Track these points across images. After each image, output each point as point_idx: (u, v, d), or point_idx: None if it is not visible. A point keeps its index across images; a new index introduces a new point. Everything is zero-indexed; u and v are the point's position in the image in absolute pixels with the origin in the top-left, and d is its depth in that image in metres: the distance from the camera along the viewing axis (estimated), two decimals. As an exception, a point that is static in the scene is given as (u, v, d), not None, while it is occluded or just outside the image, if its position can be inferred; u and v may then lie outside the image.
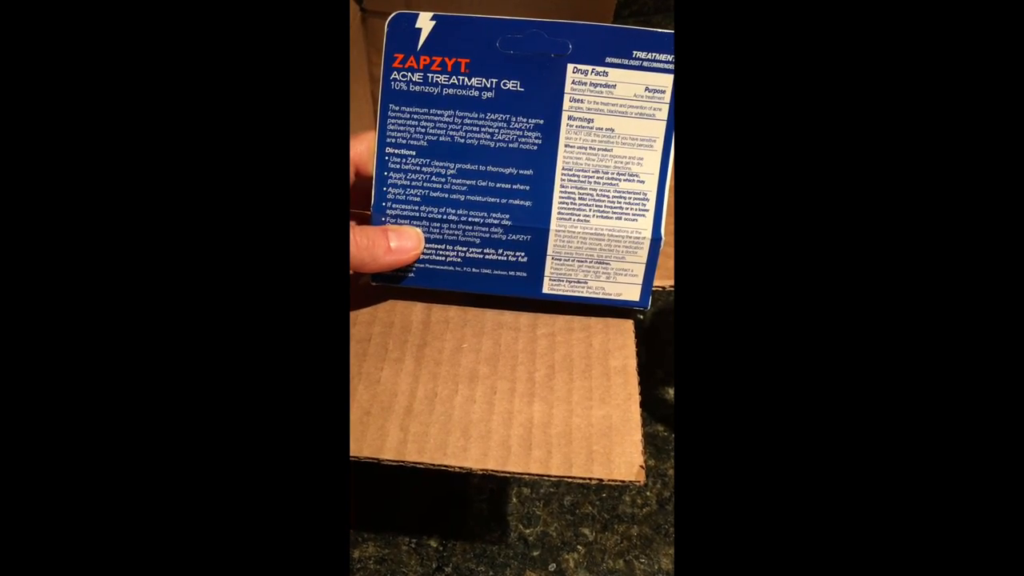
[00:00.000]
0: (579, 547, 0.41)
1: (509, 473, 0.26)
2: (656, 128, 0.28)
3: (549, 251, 0.29)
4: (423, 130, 0.28)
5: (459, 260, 0.29)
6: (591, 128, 0.28)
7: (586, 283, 0.29)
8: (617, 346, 0.29)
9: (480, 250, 0.29)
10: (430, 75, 0.27)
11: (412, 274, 0.29)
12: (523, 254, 0.29)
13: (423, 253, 0.29)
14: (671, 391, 0.48)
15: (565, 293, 0.30)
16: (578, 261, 0.29)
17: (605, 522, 0.42)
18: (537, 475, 0.25)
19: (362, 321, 0.30)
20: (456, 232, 0.29)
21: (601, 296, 0.30)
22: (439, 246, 0.29)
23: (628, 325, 0.30)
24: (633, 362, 0.29)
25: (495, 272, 0.29)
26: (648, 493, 0.43)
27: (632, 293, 0.30)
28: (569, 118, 0.28)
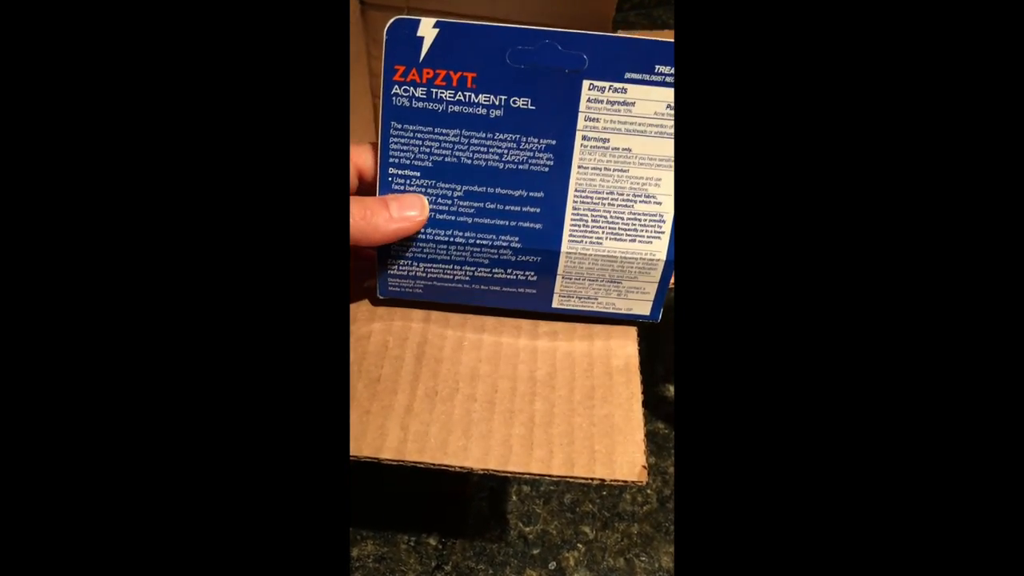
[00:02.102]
0: (579, 545, 0.41)
1: (510, 473, 0.25)
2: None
3: (559, 271, 0.28)
4: (427, 150, 0.26)
5: (467, 279, 0.29)
6: (607, 148, 0.26)
7: (596, 299, 0.29)
8: (619, 345, 0.29)
9: (488, 270, 0.28)
10: (434, 90, 0.25)
11: (419, 291, 0.29)
12: (532, 273, 0.28)
13: (431, 273, 0.28)
14: (672, 388, 0.48)
15: (575, 308, 0.29)
16: (589, 280, 0.28)
17: (605, 520, 0.42)
18: (539, 475, 0.25)
19: (362, 319, 0.30)
20: (463, 254, 0.28)
21: (611, 311, 0.29)
22: (446, 266, 0.28)
23: (631, 326, 0.30)
24: (635, 361, 0.29)
25: (504, 289, 0.29)
26: (649, 491, 0.43)
27: (643, 308, 0.29)
28: (583, 138, 0.26)
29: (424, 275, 0.28)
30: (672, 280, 0.29)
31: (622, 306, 0.29)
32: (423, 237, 0.27)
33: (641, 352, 0.29)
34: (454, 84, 0.25)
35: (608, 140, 0.26)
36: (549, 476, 0.25)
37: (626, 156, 0.26)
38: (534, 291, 0.29)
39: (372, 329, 0.29)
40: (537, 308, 0.29)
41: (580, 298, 0.29)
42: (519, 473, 0.25)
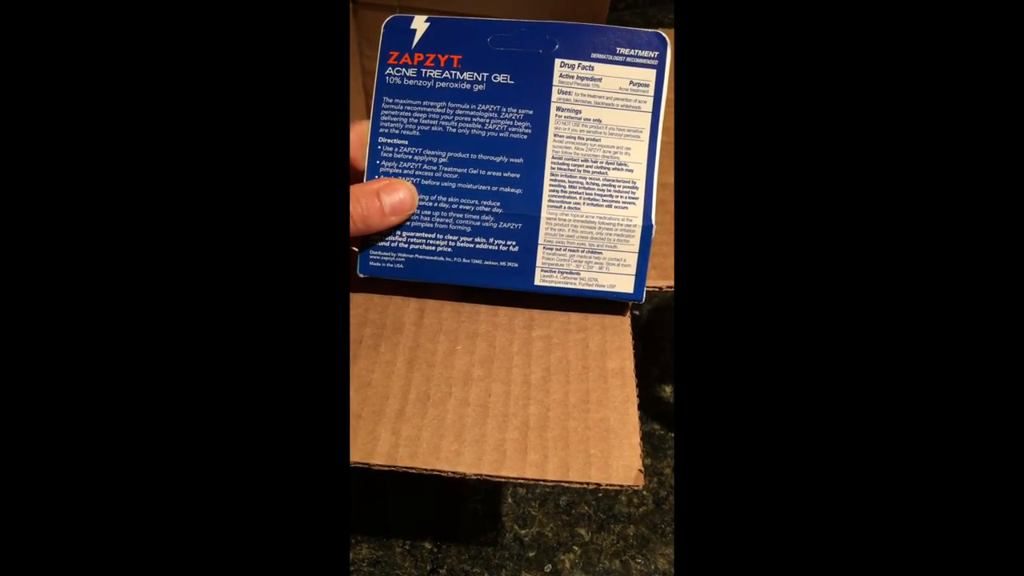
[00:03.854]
0: (575, 547, 0.40)
1: (504, 478, 0.25)
2: (642, 119, 0.28)
3: (540, 239, 0.29)
4: (416, 120, 0.28)
5: (449, 250, 0.29)
6: (579, 119, 0.28)
7: (578, 274, 0.29)
8: (614, 348, 0.29)
9: (471, 239, 0.29)
10: (424, 70, 0.28)
11: (401, 266, 0.29)
12: (514, 243, 0.29)
13: (413, 243, 0.29)
14: (667, 389, 0.47)
15: (557, 285, 0.29)
16: (570, 250, 0.29)
17: (601, 522, 0.41)
18: (533, 480, 0.25)
19: (353, 323, 0.29)
20: (447, 220, 0.29)
21: (594, 288, 0.29)
22: (429, 235, 0.29)
23: (625, 326, 0.30)
24: (631, 364, 0.28)
25: (486, 263, 0.29)
26: (644, 492, 0.43)
27: (625, 284, 0.29)
28: (558, 109, 0.28)
29: (407, 246, 0.29)
30: (671, 281, 0.29)
31: (605, 282, 0.29)
32: None
33: (636, 353, 0.29)
34: (442, 65, 0.28)
35: (580, 111, 0.28)
36: (544, 481, 0.25)
37: (597, 126, 0.28)
38: (516, 264, 0.29)
39: (363, 334, 0.29)
40: (520, 286, 0.29)
41: (562, 273, 0.29)
42: (513, 478, 0.25)
